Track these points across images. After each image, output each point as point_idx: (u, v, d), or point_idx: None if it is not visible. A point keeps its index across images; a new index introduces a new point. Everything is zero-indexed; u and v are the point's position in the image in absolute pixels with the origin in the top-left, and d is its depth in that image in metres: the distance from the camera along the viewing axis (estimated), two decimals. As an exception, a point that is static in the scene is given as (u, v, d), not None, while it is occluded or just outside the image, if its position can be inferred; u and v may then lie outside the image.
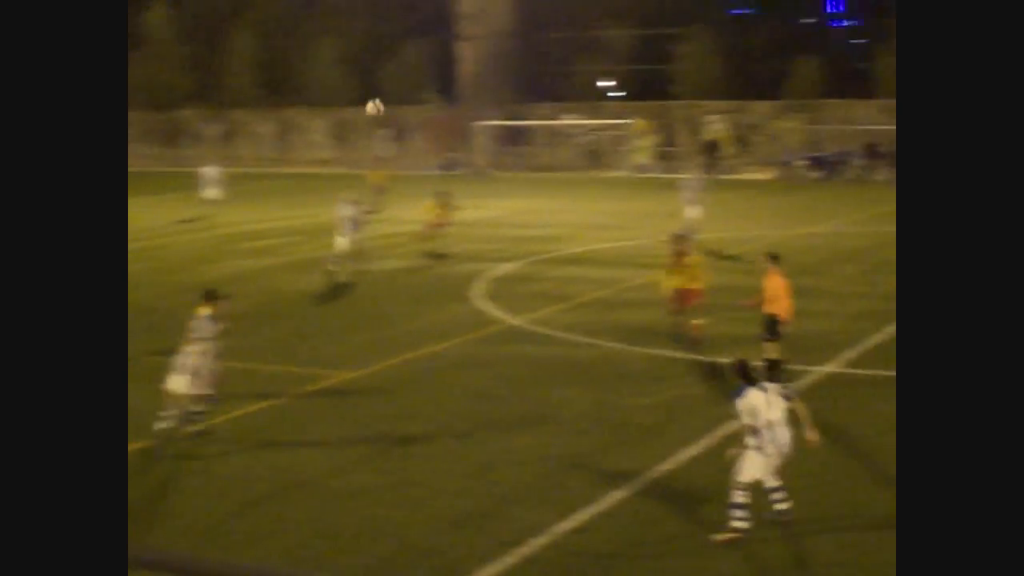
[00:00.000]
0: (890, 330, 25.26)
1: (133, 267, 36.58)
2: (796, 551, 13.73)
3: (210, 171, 49.11)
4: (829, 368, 22.23)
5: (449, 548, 14.19)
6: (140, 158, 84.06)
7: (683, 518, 14.86)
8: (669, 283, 24.70)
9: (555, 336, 25.44)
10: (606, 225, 45.29)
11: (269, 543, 14.31)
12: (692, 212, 38.38)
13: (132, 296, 31.54)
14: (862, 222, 46.21)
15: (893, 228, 42.75)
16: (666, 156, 73.70)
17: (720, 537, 14.08)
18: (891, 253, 37.30)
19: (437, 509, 15.41)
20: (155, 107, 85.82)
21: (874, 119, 71.46)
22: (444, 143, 77.13)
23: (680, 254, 24.74)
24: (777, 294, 21.63)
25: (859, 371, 22.02)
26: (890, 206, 52.24)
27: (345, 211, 33.71)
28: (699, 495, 15.56)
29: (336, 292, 31.68)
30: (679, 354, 23.32)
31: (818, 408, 17.34)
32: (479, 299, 29.79)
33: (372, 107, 76.47)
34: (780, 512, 14.29)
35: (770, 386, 14.39)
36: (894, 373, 21.13)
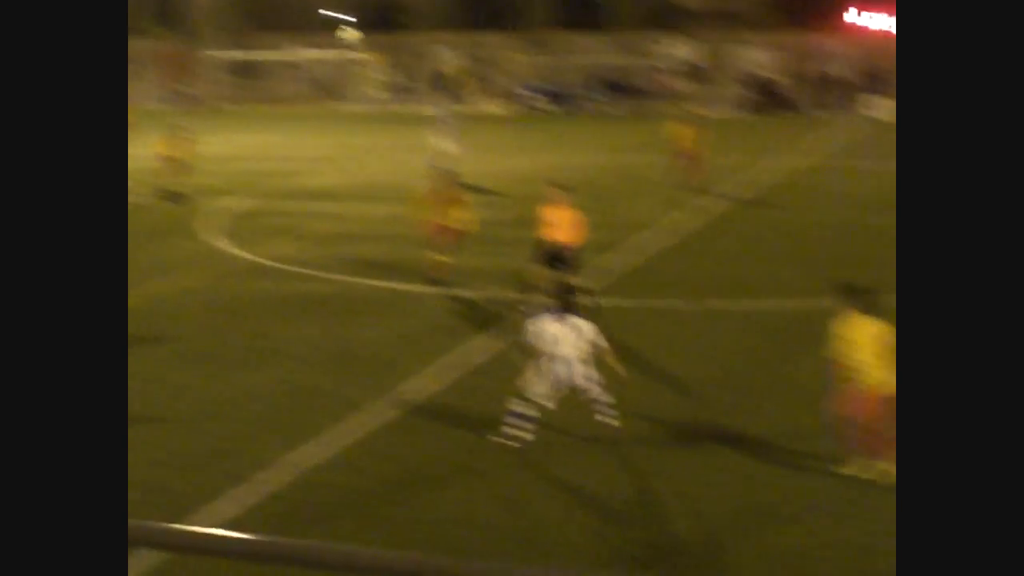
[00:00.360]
0: (630, 260, 25.72)
1: None
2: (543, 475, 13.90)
3: None
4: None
5: (183, 486, 13.88)
6: None
7: (420, 448, 14.88)
8: (433, 218, 23.65)
9: (290, 271, 25.15)
10: (341, 158, 44.99)
11: None
12: (448, 146, 38.30)
13: None
14: (596, 154, 46.96)
15: (631, 159, 43.69)
16: (400, 89, 73.50)
17: (499, 439, 14.53)
18: (628, 184, 38.12)
19: (169, 447, 15.06)
20: None
21: (607, 53, 72.59)
22: (174, 76, 75.33)
23: (446, 191, 23.93)
24: (564, 223, 21.79)
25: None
26: (628, 138, 53.40)
27: None
28: (435, 425, 15.61)
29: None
30: (414, 287, 23.32)
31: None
32: (212, 235, 29.22)
33: None
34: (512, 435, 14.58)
35: (574, 321, 14.49)
36: (641, 302, 21.57)
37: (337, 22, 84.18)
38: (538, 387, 14.56)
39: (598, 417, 14.76)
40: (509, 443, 14.55)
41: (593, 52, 73.42)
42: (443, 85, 69.27)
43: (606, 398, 14.72)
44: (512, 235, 27.62)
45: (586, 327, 14.52)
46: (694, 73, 73.58)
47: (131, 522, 3.69)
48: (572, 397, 14.83)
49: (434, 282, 23.14)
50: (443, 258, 23.50)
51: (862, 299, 13.37)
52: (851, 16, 76.93)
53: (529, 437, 14.52)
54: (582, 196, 32.99)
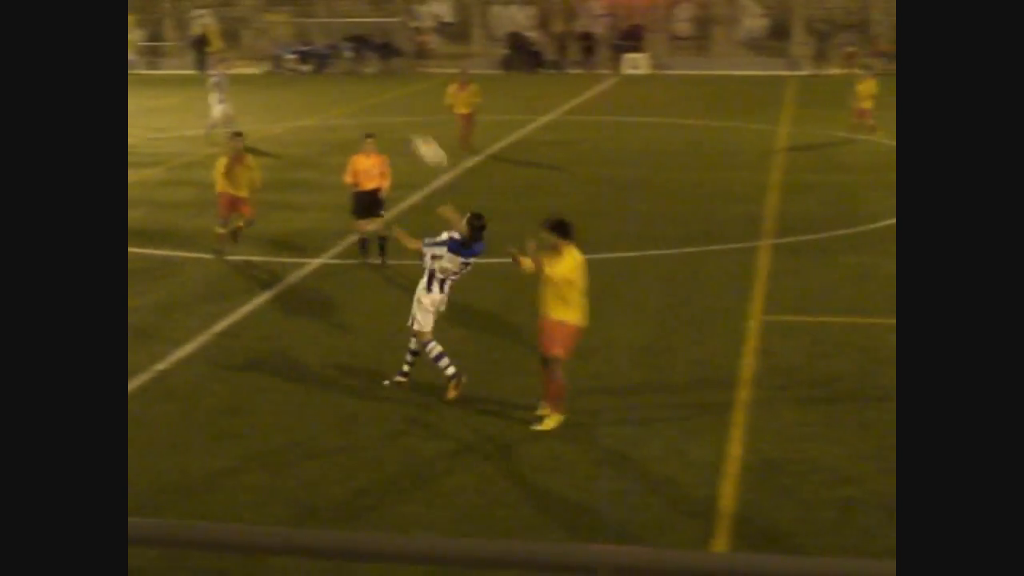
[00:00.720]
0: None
1: None
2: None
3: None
4: (324, 260, 22.66)
5: None
6: None
7: (181, 416, 14.91)
8: (224, 186, 22.65)
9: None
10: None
11: None
12: (223, 109, 37.49)
13: None
14: (351, 114, 46.93)
15: (381, 118, 43.65)
16: (153, 51, 72.04)
17: (452, 394, 14.99)
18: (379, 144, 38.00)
19: None
20: None
21: (361, 11, 72.32)
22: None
23: (238, 156, 22.78)
24: (376, 170, 22.18)
25: (350, 261, 22.56)
26: (379, 97, 53.38)
27: None
28: (196, 391, 15.66)
29: None
30: (171, 252, 23.14)
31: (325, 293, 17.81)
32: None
33: None
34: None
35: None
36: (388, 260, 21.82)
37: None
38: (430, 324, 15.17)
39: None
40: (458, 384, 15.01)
41: (348, 12, 73.06)
42: (195, 46, 68.04)
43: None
44: (282, 199, 27.59)
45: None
46: (449, 31, 73.91)
47: (131, 520, 3.80)
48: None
49: (218, 252, 22.76)
50: (223, 229, 22.82)
51: (566, 235, 13.95)
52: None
53: (454, 370, 15.04)
54: (323, 157, 32.97)
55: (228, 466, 13.31)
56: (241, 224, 22.77)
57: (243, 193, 22.67)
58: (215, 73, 38.86)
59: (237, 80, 59.81)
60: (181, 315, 19.06)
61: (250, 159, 23.24)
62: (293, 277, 21.17)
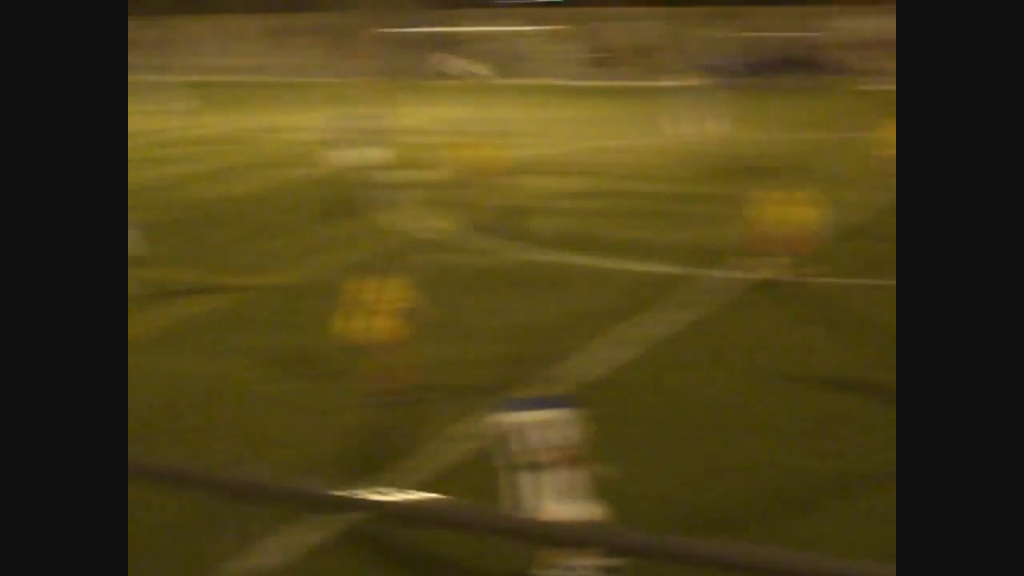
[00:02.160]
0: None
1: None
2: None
3: (175, 80, 47.32)
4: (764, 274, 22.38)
5: (365, 454, 14.36)
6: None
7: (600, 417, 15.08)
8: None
9: (469, 244, 25.48)
10: (523, 132, 45.17)
11: (194, 447, 14.43)
12: (716, 125, 35.97)
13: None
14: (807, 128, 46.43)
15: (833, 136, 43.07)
16: (591, 63, 73.45)
17: None
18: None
19: (347, 419, 15.54)
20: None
21: (787, 27, 71.54)
22: (365, 50, 76.44)
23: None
24: None
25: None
26: (809, 114, 52.61)
27: (360, 123, 32.76)
28: (622, 399, 15.80)
29: (251, 200, 31.55)
30: (590, 260, 23.43)
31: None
32: (392, 208, 29.74)
33: None
34: None
35: None
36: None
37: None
38: None
39: None
40: None
41: (776, 27, 72.39)
42: (633, 57, 68.91)
43: None
44: (689, 210, 27.75)
45: None
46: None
47: (131, 455, 3.86)
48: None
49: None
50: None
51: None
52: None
53: None
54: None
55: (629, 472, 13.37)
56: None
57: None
58: (698, 86, 37.11)
59: (680, 92, 60.22)
60: (596, 322, 19.23)
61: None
62: (713, 291, 21.06)
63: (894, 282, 21.54)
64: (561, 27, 73.49)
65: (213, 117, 48.65)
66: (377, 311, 15.76)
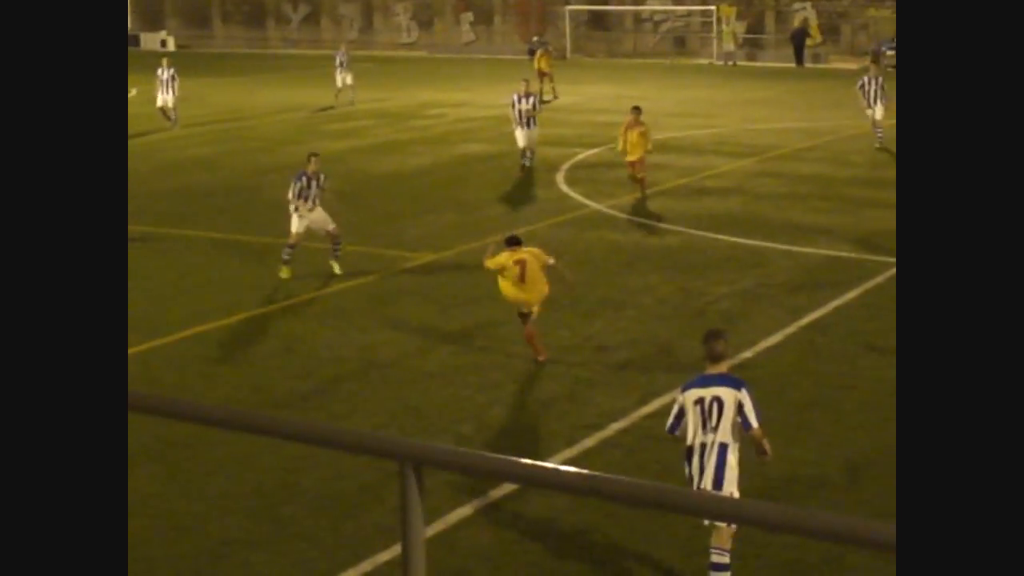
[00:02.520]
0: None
1: (218, 148, 36.96)
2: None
3: (342, 56, 47.44)
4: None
5: (528, 430, 14.45)
6: (224, 40, 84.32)
7: (764, 406, 14.95)
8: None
9: (636, 222, 25.47)
10: (690, 112, 44.93)
11: (352, 420, 14.60)
12: (882, 110, 34.72)
13: (214, 176, 31.94)
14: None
15: None
16: (753, 43, 72.68)
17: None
18: None
19: (517, 392, 15.65)
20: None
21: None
22: (529, 27, 76.50)
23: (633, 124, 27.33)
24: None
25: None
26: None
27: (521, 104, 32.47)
28: (779, 382, 15.65)
29: (418, 175, 31.79)
30: (761, 242, 23.26)
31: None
32: (561, 184, 29.80)
33: None
34: None
35: None
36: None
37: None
38: None
39: None
40: None
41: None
42: (794, 39, 68.05)
43: None
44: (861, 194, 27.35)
45: None
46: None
47: (131, 391, 3.88)
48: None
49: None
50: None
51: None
52: None
53: None
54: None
55: (808, 457, 13.22)
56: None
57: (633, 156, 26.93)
58: (872, 75, 35.44)
59: (836, 74, 59.38)
60: (767, 305, 19.13)
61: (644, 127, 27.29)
62: (882, 276, 20.72)
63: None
64: (729, 6, 72.74)
65: (373, 92, 49.08)
66: (536, 282, 15.99)
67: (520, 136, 31.25)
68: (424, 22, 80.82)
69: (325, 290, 20.20)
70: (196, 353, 17.26)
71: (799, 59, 65.02)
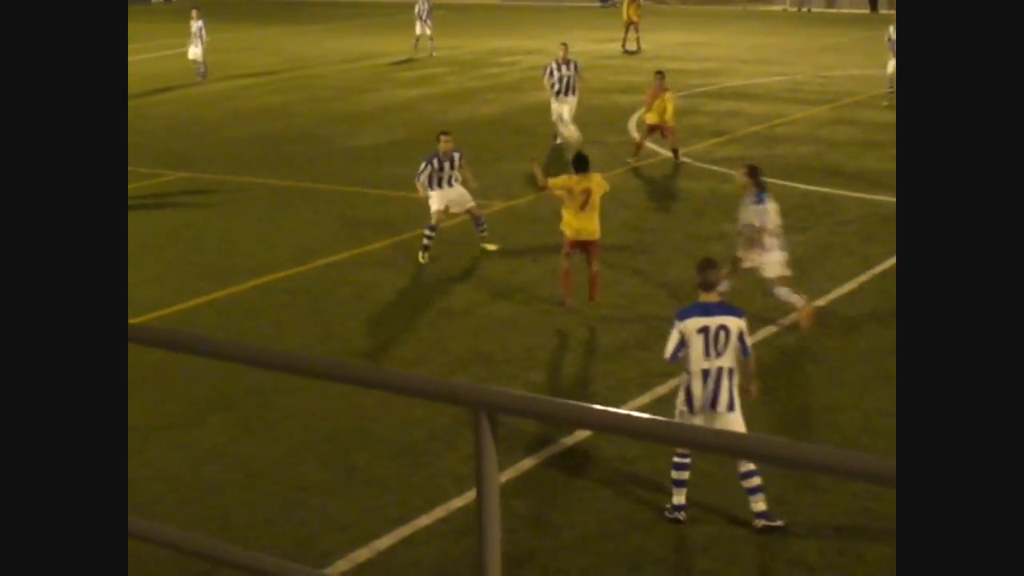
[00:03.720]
0: None
1: (288, 96, 37.04)
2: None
3: (422, 4, 46.61)
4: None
5: (600, 377, 14.41)
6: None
7: (839, 352, 14.84)
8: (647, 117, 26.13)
9: (709, 170, 25.29)
10: (763, 60, 44.49)
11: (422, 367, 14.64)
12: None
13: (286, 123, 32.03)
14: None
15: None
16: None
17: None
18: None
19: (588, 340, 15.62)
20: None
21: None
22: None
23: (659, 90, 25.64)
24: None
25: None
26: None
27: None
28: (852, 330, 15.53)
29: (489, 123, 31.71)
30: (834, 190, 23.03)
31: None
32: (633, 131, 29.63)
33: None
34: None
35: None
36: None
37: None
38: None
39: None
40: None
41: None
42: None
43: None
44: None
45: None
46: None
47: (131, 323, 3.88)
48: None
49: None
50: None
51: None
52: None
53: None
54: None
55: (883, 407, 13.11)
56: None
57: (664, 120, 25.52)
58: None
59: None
60: (840, 253, 18.97)
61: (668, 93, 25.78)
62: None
63: None
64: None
65: (445, 40, 48.94)
66: (597, 212, 16.30)
67: (555, 107, 28.04)
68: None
69: (395, 238, 20.21)
70: (268, 301, 17.36)
71: (873, 5, 64.15)
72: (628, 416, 3.48)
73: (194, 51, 40.26)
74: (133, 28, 45.01)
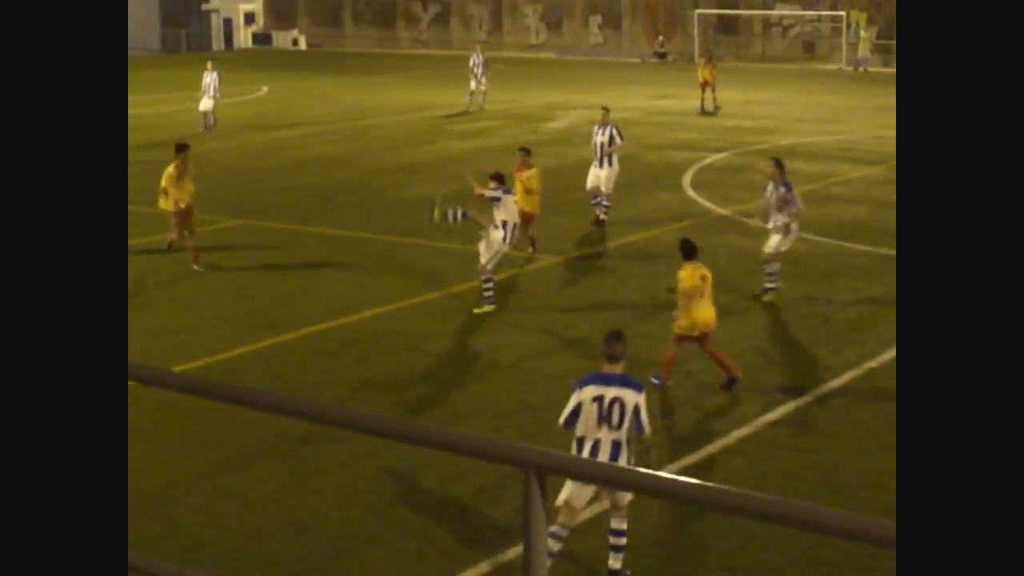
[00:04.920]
0: None
1: (344, 147, 37.30)
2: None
3: (477, 58, 46.77)
4: None
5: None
6: (354, 39, 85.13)
7: (884, 418, 14.74)
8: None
9: (763, 228, 25.22)
10: (818, 118, 44.47)
11: (472, 421, 14.63)
12: None
13: (342, 174, 32.23)
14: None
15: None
16: (883, 49, 71.81)
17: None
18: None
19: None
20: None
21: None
22: (657, 30, 76.26)
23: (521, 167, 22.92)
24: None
25: None
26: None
27: None
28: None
29: (544, 176, 31.80)
30: (888, 251, 22.93)
31: None
32: (688, 188, 29.64)
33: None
34: None
35: None
36: None
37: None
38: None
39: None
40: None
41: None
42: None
43: None
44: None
45: None
46: None
47: (131, 363, 3.86)
48: None
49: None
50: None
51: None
52: None
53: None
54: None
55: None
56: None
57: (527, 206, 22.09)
58: None
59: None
60: (895, 315, 18.85)
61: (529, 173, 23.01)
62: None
63: None
64: (857, 11, 71.91)
65: (501, 94, 49.21)
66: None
67: (592, 175, 26.15)
68: (553, 23, 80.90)
69: (445, 290, 20.27)
70: (317, 349, 17.42)
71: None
72: (671, 480, 3.47)
73: (205, 103, 40.25)
74: (193, 75, 45.49)
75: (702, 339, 15.57)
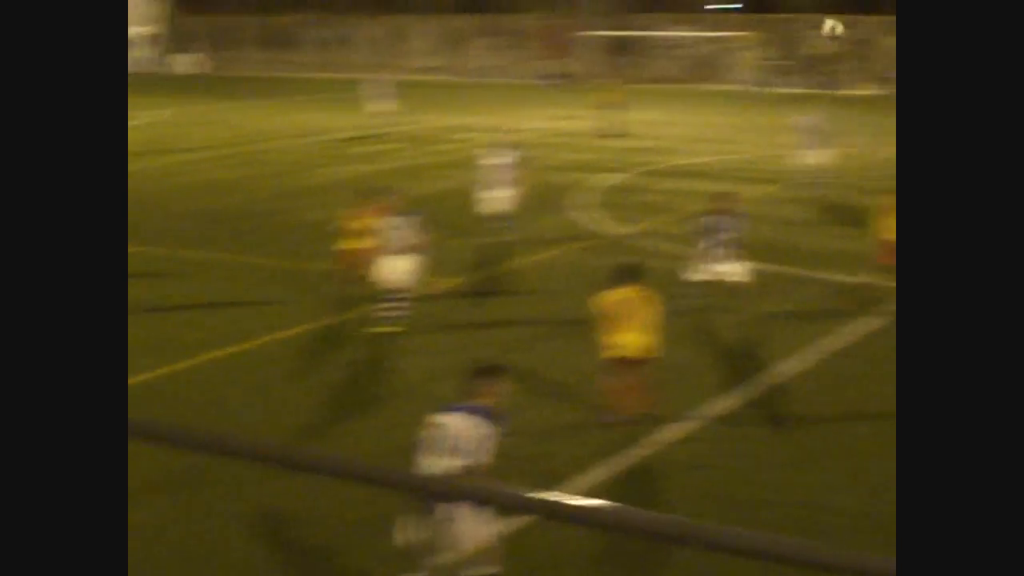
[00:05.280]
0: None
1: (238, 173, 36.94)
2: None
3: (375, 82, 47.10)
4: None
5: (548, 456, 14.22)
6: (249, 63, 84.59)
7: (782, 433, 14.76)
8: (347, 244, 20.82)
9: (656, 248, 25.29)
10: (711, 138, 44.82)
11: (369, 447, 14.45)
12: (813, 157, 32.93)
13: (235, 198, 31.88)
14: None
15: None
16: (775, 70, 72.62)
17: None
18: None
19: (536, 418, 15.42)
20: (263, 11, 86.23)
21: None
22: (550, 53, 76.54)
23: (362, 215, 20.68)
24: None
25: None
26: None
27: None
28: (800, 409, 15.46)
29: (443, 198, 31.64)
30: (786, 269, 23.08)
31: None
32: (583, 209, 29.64)
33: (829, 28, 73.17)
34: None
35: None
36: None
37: (718, 1, 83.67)
38: None
39: None
40: None
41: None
42: (814, 65, 67.93)
43: None
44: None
45: None
46: None
47: (132, 419, 3.77)
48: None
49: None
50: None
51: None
52: None
53: None
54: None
55: (823, 482, 13.00)
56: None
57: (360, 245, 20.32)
58: (811, 118, 34.07)
59: (856, 101, 59.17)
60: (787, 330, 18.94)
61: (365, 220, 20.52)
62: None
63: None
64: (750, 33, 72.71)
65: (407, 116, 49.04)
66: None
67: (493, 198, 26.07)
68: (448, 46, 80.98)
69: (346, 314, 20.03)
70: (213, 378, 17.12)
71: (827, 85, 64.98)
72: (575, 505, 3.35)
73: None
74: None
75: (633, 365, 14.97)
